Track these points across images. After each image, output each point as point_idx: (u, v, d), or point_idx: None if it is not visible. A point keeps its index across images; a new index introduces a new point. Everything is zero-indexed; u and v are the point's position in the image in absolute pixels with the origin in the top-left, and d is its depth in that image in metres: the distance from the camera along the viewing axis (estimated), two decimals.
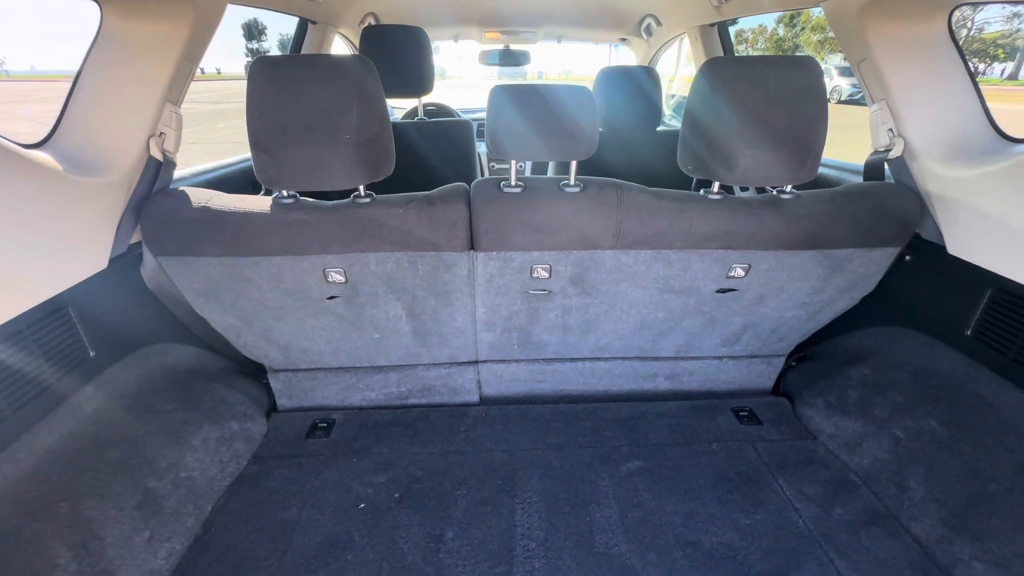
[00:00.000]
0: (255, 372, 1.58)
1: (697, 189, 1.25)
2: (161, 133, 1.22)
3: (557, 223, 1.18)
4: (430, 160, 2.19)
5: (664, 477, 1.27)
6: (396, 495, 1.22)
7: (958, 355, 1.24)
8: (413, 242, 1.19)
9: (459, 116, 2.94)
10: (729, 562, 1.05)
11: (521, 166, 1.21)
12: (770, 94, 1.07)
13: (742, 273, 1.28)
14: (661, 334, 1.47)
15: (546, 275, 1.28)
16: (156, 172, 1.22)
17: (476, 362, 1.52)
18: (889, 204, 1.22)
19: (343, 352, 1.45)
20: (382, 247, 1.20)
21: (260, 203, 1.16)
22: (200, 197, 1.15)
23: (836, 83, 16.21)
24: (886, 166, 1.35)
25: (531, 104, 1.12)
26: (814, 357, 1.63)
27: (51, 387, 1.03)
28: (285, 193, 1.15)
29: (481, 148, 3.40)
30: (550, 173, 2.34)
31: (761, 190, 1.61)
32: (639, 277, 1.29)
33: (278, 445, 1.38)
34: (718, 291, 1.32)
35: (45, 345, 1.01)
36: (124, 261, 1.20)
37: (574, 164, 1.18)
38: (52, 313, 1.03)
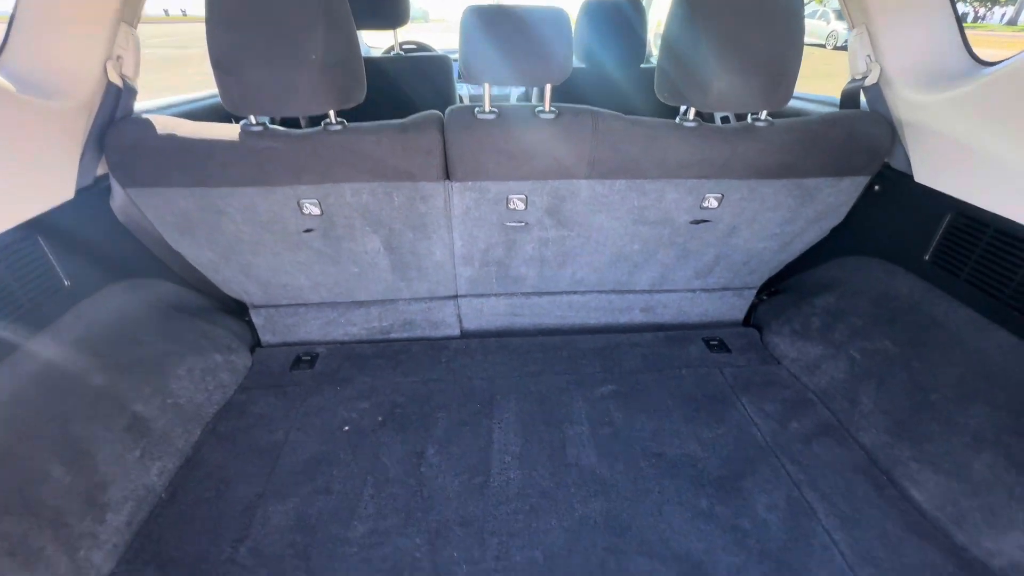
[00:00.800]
0: (237, 310, 1.60)
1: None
2: (118, 56, 1.16)
3: (532, 150, 1.18)
4: (406, 96, 2.13)
5: (635, 399, 1.34)
6: (379, 418, 1.27)
7: (916, 280, 1.29)
8: (388, 171, 1.18)
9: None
10: (690, 469, 1.14)
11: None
12: (745, 19, 1.05)
13: (715, 203, 1.30)
14: (636, 266, 1.50)
15: (522, 206, 1.29)
16: (116, 99, 1.17)
17: (456, 296, 1.55)
18: (860, 132, 1.23)
19: (323, 287, 1.47)
20: (357, 177, 1.19)
21: (228, 131, 1.14)
22: (166, 125, 1.12)
23: (833, 27, 15.72)
24: (862, 94, 1.35)
25: (503, 25, 1.09)
26: (784, 291, 1.69)
27: (27, 314, 1.03)
28: (253, 119, 1.12)
29: (463, 89, 3.29)
30: None
31: (739, 119, 1.60)
32: (614, 207, 1.30)
33: (263, 377, 1.42)
34: (692, 222, 1.35)
35: (17, 273, 1.01)
36: (92, 193, 1.18)
37: (548, 89, 1.16)
38: (20, 241, 1.02)
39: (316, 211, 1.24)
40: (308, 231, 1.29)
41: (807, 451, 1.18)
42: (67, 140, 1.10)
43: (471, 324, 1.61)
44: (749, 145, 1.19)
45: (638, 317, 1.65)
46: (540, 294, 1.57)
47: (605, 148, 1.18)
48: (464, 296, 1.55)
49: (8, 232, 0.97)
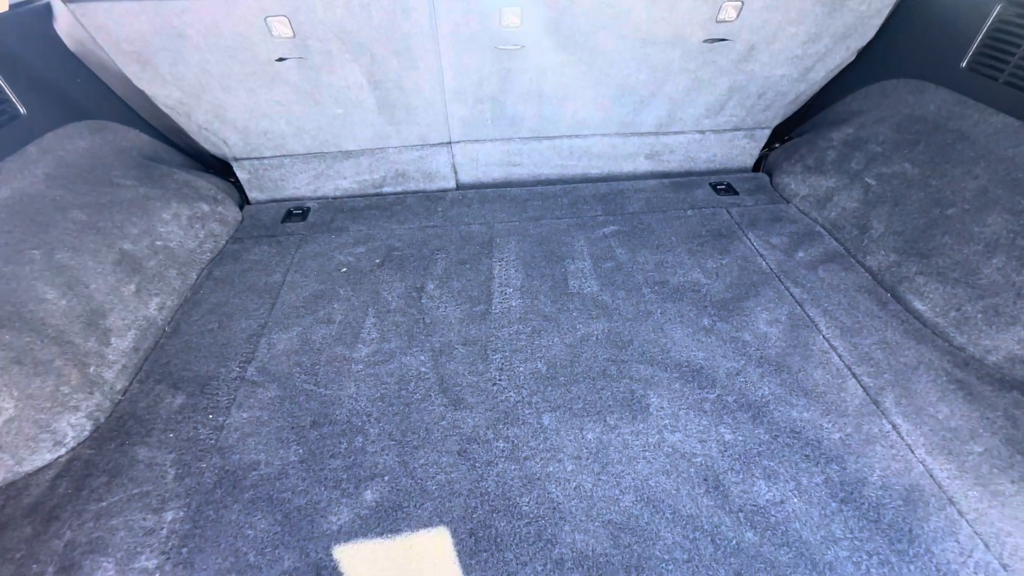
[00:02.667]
0: (221, 171, 1.52)
1: None
2: None
3: None
4: None
5: (638, 237, 1.31)
6: (376, 260, 1.25)
7: (947, 94, 1.19)
8: None
9: None
10: (692, 294, 1.13)
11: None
12: None
13: (733, 15, 1.15)
14: (643, 102, 1.39)
15: (517, 21, 1.15)
16: None
17: (450, 143, 1.45)
18: None
19: (306, 133, 1.37)
20: None
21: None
22: None
23: None
24: None
25: None
26: (798, 136, 1.59)
27: None
28: None
29: None
30: None
31: None
32: (620, 21, 1.16)
33: (255, 229, 1.38)
34: (706, 41, 1.21)
35: None
36: (31, 12, 1.04)
37: None
38: None
39: (287, 32, 1.11)
40: (281, 60, 1.17)
41: (812, 275, 1.16)
42: None
43: (467, 176, 1.53)
44: None
45: (643, 165, 1.57)
46: (539, 138, 1.47)
47: None
48: (458, 142, 1.46)
49: None
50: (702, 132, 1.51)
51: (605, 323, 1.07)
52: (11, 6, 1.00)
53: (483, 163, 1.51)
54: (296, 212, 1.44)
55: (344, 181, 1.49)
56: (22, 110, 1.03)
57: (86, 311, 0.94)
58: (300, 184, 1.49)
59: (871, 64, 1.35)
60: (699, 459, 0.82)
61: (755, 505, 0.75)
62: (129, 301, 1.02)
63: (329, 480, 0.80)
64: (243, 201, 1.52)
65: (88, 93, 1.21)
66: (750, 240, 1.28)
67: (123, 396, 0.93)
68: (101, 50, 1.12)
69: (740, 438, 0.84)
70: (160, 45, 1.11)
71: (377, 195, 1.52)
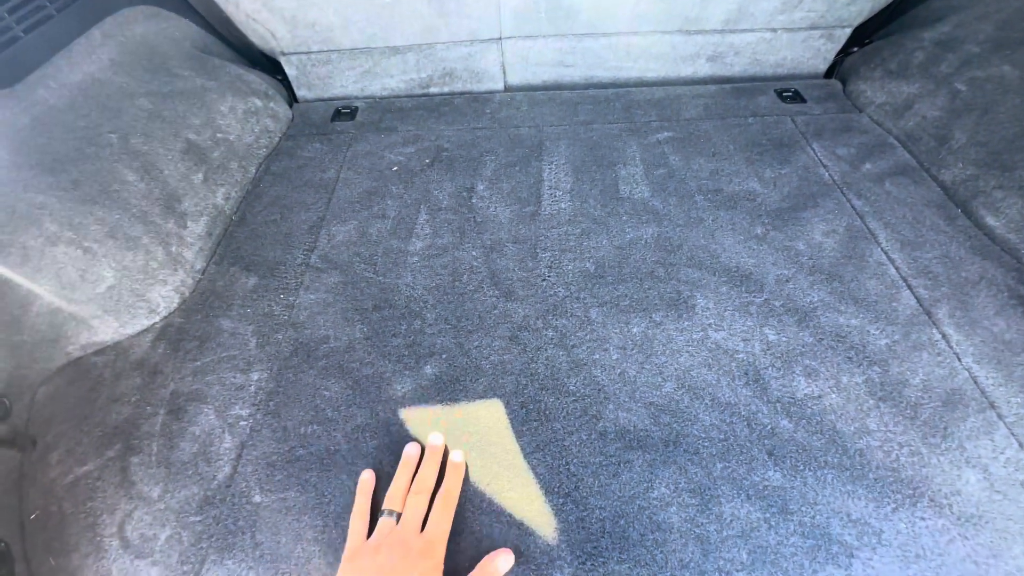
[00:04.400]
0: (269, 69, 1.50)
1: None
2: None
3: None
4: None
5: (693, 144, 1.26)
6: (426, 160, 1.26)
7: None
8: None
9: None
10: (747, 203, 1.10)
11: None
12: None
13: None
14: None
15: None
16: None
17: (500, 39, 1.39)
18: None
19: (353, 25, 1.33)
20: None
21: None
22: None
23: None
24: None
25: None
26: (883, 37, 1.43)
27: (49, 18, 0.97)
28: None
29: None
30: None
31: None
32: None
33: (305, 127, 1.39)
34: None
35: None
36: None
37: None
38: None
39: None
40: None
41: (877, 188, 1.11)
42: None
43: (516, 77, 1.47)
44: None
45: (704, 68, 1.46)
46: (595, 35, 1.38)
47: None
48: (509, 38, 1.39)
49: None
50: (773, 30, 1.38)
51: (655, 228, 1.06)
52: None
53: (533, 62, 1.44)
54: (344, 111, 1.43)
55: (391, 80, 1.46)
56: None
57: (163, 195, 1.00)
58: (347, 82, 1.47)
59: None
60: (741, 355, 0.85)
61: (792, 398, 0.79)
62: (199, 189, 1.07)
63: (392, 355, 0.88)
64: (291, 99, 1.51)
65: None
66: (814, 150, 1.22)
67: (202, 275, 1.01)
68: None
69: (784, 339, 0.86)
70: None
71: (424, 95, 1.49)
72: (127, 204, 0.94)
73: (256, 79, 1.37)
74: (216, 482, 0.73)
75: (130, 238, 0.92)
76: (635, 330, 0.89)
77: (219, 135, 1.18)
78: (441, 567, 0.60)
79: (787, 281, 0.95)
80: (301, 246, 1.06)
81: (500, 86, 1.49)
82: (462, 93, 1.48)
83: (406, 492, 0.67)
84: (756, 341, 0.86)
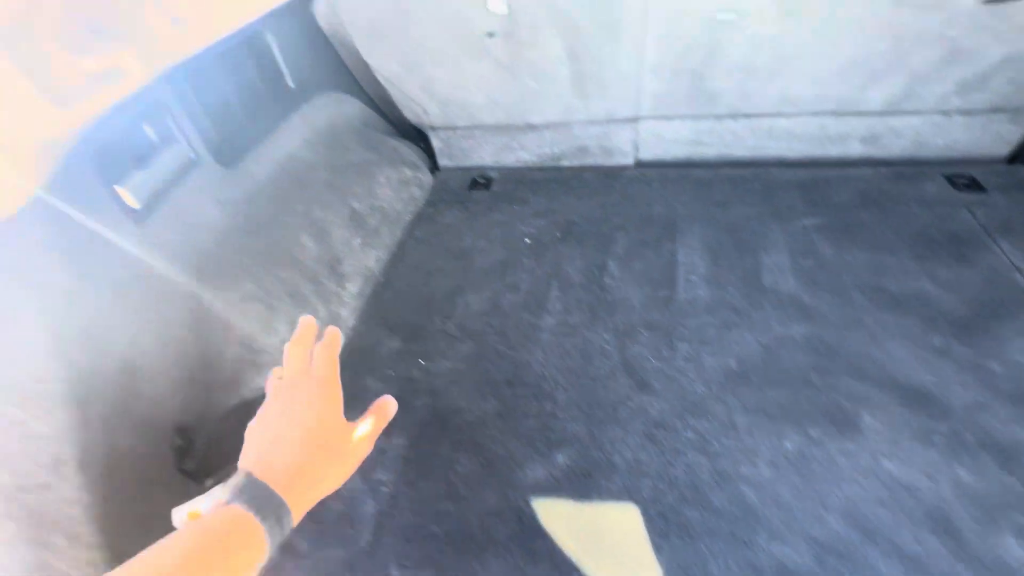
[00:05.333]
0: (415, 137, 1.67)
1: None
2: None
3: None
4: None
5: (846, 232, 1.16)
6: (557, 234, 1.29)
7: None
8: None
9: None
10: (918, 306, 0.98)
11: None
12: None
13: None
14: (874, 76, 1.20)
15: None
16: None
17: (636, 119, 1.42)
18: None
19: (499, 106, 1.44)
20: None
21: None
22: None
23: None
24: None
25: None
26: None
27: (268, 110, 1.17)
28: None
29: None
30: None
31: None
32: None
33: (444, 194, 1.51)
34: (987, 2, 0.99)
35: (257, 66, 1.12)
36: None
37: None
38: (255, 37, 1.11)
39: (502, 8, 1.15)
40: (491, 35, 1.23)
41: None
42: None
43: (648, 153, 1.49)
44: None
45: (855, 149, 1.37)
46: (735, 116, 1.36)
47: None
48: (645, 118, 1.41)
49: (247, 27, 1.05)
50: (946, 113, 1.26)
51: (806, 326, 0.98)
52: None
53: (667, 140, 1.45)
54: (481, 180, 1.53)
55: (525, 153, 1.55)
56: (291, 84, 1.23)
57: (330, 258, 1.13)
58: (485, 154, 1.58)
59: None
60: (924, 495, 0.73)
61: (1001, 562, 0.66)
62: (356, 252, 1.19)
63: (523, 436, 0.88)
64: (433, 167, 1.66)
65: (331, 67, 1.40)
66: (1002, 249, 1.06)
67: (353, 332, 1.11)
68: (343, 27, 1.29)
69: (982, 483, 0.73)
70: (390, 23, 1.23)
71: (555, 168, 1.55)
72: (304, 266, 1.07)
73: (408, 150, 1.53)
74: (358, 548, 0.76)
75: (303, 297, 1.04)
76: (788, 445, 0.81)
77: (376, 203, 1.31)
78: (340, 396, 0.56)
79: (981, 409, 0.82)
80: (440, 313, 1.12)
81: (631, 162, 1.51)
82: (593, 167, 1.52)
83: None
84: (944, 480, 0.74)
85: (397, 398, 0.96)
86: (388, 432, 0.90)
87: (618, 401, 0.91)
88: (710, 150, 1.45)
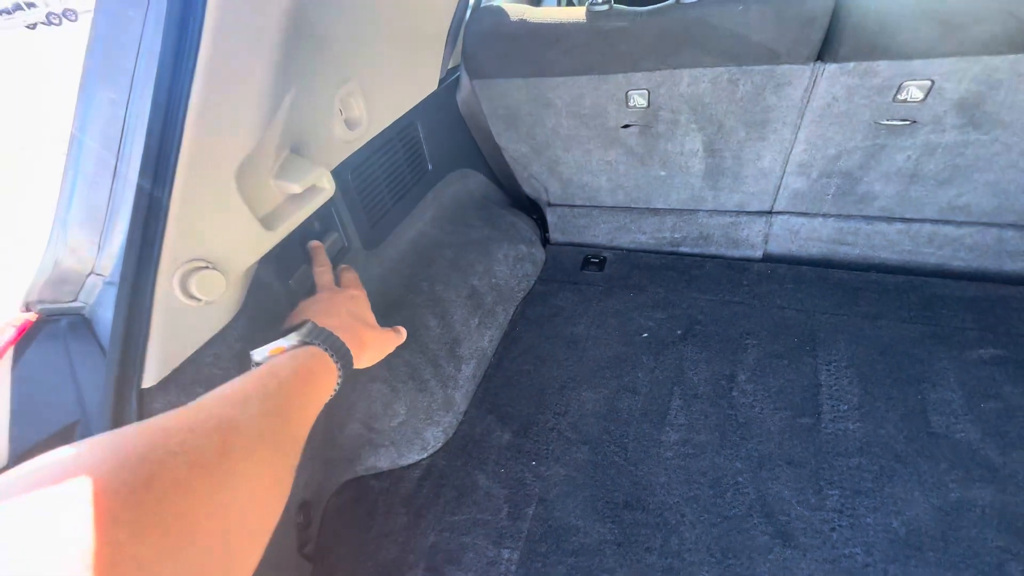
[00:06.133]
0: (528, 209, 1.69)
1: None
2: None
3: (980, 5, 0.83)
4: None
5: None
6: (678, 331, 1.22)
7: None
8: (746, 51, 1.00)
9: None
10: None
11: None
12: None
13: None
14: None
15: (920, 95, 0.96)
16: None
17: (771, 213, 1.33)
18: None
19: (621, 191, 1.42)
20: (702, 60, 1.04)
21: (574, 13, 1.09)
22: (516, 11, 1.13)
23: None
24: None
25: None
26: None
27: (409, 193, 1.23)
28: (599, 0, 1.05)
29: None
30: None
31: None
32: None
33: (556, 272, 1.50)
34: None
35: (406, 156, 1.20)
36: (445, 85, 1.31)
37: None
38: (407, 127, 1.19)
39: (642, 103, 1.15)
40: (627, 127, 1.22)
41: None
42: (434, 33, 1.20)
43: (779, 247, 1.39)
44: None
45: None
46: (890, 220, 1.24)
47: None
48: (781, 213, 1.32)
49: (403, 117, 1.13)
50: None
51: (993, 491, 0.82)
52: (439, 82, 1.26)
53: (803, 237, 1.34)
54: (593, 260, 1.51)
55: (642, 236, 1.51)
56: (430, 166, 1.30)
57: (449, 339, 1.14)
58: (599, 233, 1.56)
59: None
60: None
61: None
62: (473, 332, 1.20)
63: (645, 575, 0.80)
64: (545, 240, 1.66)
65: (464, 147, 1.47)
66: None
67: (464, 417, 1.10)
68: (481, 113, 1.35)
69: None
70: (527, 111, 1.27)
71: (673, 254, 1.49)
72: (425, 348, 1.09)
73: (525, 226, 1.55)
74: None
75: (422, 380, 1.05)
76: None
77: (493, 280, 1.33)
78: (366, 298, 0.75)
79: None
80: (552, 408, 1.09)
81: (758, 254, 1.42)
82: (714, 257, 1.45)
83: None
84: None
85: (508, 503, 0.93)
86: (498, 541, 0.87)
87: (756, 552, 0.81)
88: (853, 250, 1.32)
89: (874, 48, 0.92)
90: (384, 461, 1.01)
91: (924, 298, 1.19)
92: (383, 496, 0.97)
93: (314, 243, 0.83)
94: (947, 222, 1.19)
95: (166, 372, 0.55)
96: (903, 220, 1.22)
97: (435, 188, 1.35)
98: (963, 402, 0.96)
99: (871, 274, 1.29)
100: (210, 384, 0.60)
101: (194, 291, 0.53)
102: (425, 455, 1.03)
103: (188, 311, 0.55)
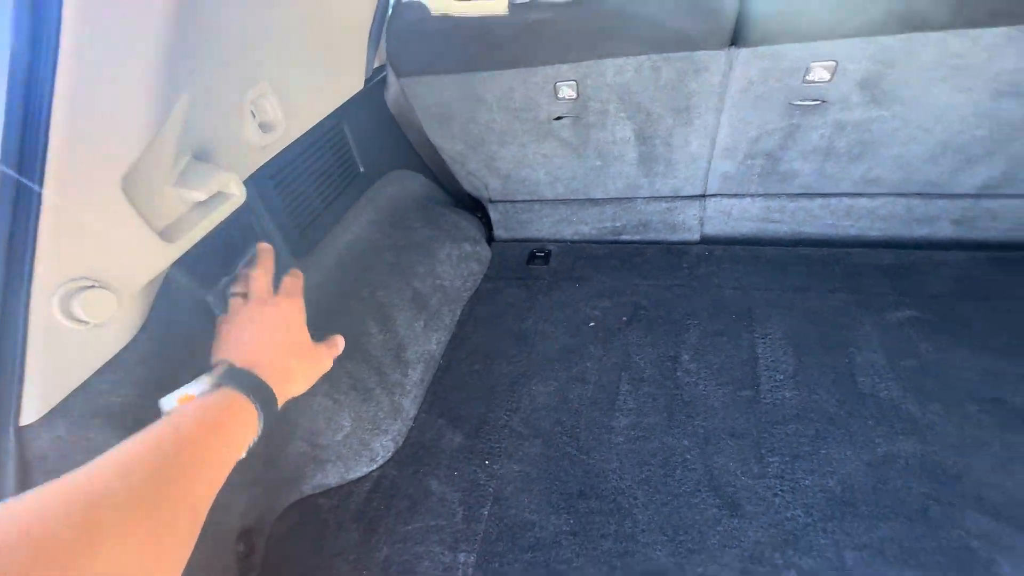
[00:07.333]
0: (472, 207, 1.68)
1: None
2: None
3: None
4: None
5: (948, 331, 1.06)
6: (624, 318, 1.24)
7: None
8: (664, 39, 1.02)
9: None
10: None
11: None
12: None
13: None
14: (969, 162, 1.12)
15: (827, 76, 1.02)
16: None
17: (703, 196, 1.38)
18: None
19: (560, 182, 1.43)
20: (625, 49, 1.06)
21: (497, 6, 1.09)
22: (439, 6, 1.11)
23: None
24: None
25: None
26: None
27: (340, 196, 1.19)
28: None
29: None
30: None
31: None
32: (970, 73, 0.95)
33: (503, 269, 1.49)
34: None
35: (334, 157, 1.15)
36: (373, 85, 1.27)
37: None
38: (333, 128, 1.14)
39: (571, 94, 1.16)
40: (559, 119, 1.23)
41: None
42: (355, 31, 1.16)
43: (714, 229, 1.44)
44: None
45: (946, 231, 1.28)
46: (811, 195, 1.30)
47: None
48: (713, 196, 1.37)
49: (327, 118, 1.09)
50: None
51: (916, 443, 0.88)
52: (364, 82, 1.22)
53: (735, 217, 1.40)
54: (539, 254, 1.51)
55: (585, 227, 1.52)
56: (361, 168, 1.26)
57: (394, 344, 1.11)
58: (543, 227, 1.56)
59: None
60: None
61: None
62: (419, 336, 1.17)
63: (603, 563, 0.80)
64: (490, 237, 1.65)
65: (398, 147, 1.43)
66: None
67: (414, 423, 1.07)
68: (412, 112, 1.32)
69: None
70: (459, 108, 1.25)
71: (615, 243, 1.51)
72: (368, 356, 1.05)
73: (468, 224, 1.53)
74: None
75: (367, 389, 1.02)
76: None
77: (437, 281, 1.30)
78: (304, 315, 0.67)
79: None
80: (503, 405, 1.08)
81: (696, 237, 1.46)
82: (655, 242, 1.48)
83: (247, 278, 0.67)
84: None
85: (463, 506, 0.91)
86: (453, 546, 0.85)
87: (706, 525, 0.82)
88: (781, 227, 1.39)
89: (782, 32, 0.96)
90: (332, 477, 0.97)
91: (847, 268, 1.26)
92: (332, 514, 0.93)
93: (262, 245, 0.75)
94: (861, 195, 1.27)
95: (50, 405, 0.50)
96: (822, 195, 1.29)
97: (370, 190, 1.31)
98: (885, 362, 1.02)
99: (799, 249, 1.35)
100: (109, 415, 0.55)
101: (79, 313, 0.48)
102: (375, 466, 0.99)
103: (74, 335, 0.50)
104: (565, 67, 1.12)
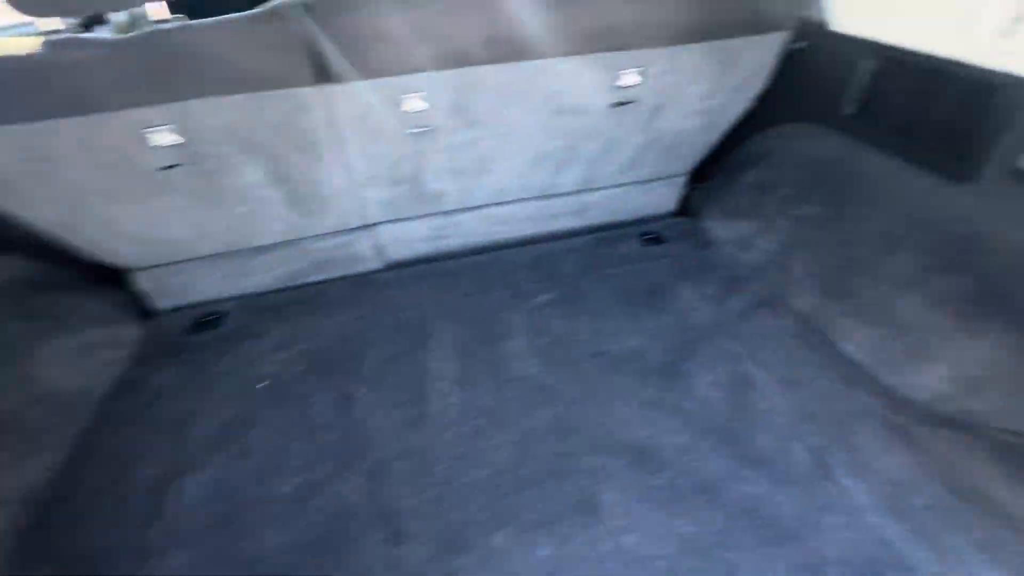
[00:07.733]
0: (115, 278, 1.37)
1: None
2: None
3: (423, 29, 1.00)
4: None
5: (573, 304, 1.28)
6: (301, 368, 1.15)
7: (841, 138, 1.26)
8: (249, 78, 0.98)
9: None
10: (634, 363, 1.11)
11: None
12: None
13: (637, 79, 1.18)
14: (560, 165, 1.39)
15: (424, 105, 1.12)
16: None
17: (370, 225, 1.39)
18: None
19: (210, 237, 1.27)
20: (212, 89, 0.98)
21: (23, 45, 0.88)
22: None
23: None
24: None
25: None
26: (714, 176, 1.64)
27: None
28: (61, 24, 0.87)
29: None
30: None
31: None
32: (526, 96, 1.16)
33: (160, 346, 1.25)
34: (613, 105, 1.23)
35: None
36: None
37: None
38: None
39: (175, 139, 1.03)
40: (169, 167, 1.08)
41: (746, 326, 1.17)
42: None
43: (394, 254, 1.47)
44: (658, 2, 1.06)
45: (570, 221, 1.56)
46: (463, 210, 1.44)
47: (501, 23, 1.01)
48: (380, 224, 1.40)
49: None
50: (623, 185, 1.53)
51: (549, 409, 1.02)
52: None
53: (410, 239, 1.46)
54: (209, 318, 1.32)
55: (256, 277, 1.39)
56: None
57: None
58: (209, 286, 1.37)
59: (771, 108, 1.41)
60: (659, 563, 0.77)
61: None
62: (4, 472, 0.87)
63: None
64: (143, 311, 1.37)
65: None
66: (684, 294, 1.29)
67: None
68: None
69: (697, 529, 0.80)
70: (24, 171, 1.00)
71: (298, 287, 1.42)
72: None
73: (96, 305, 1.24)
74: None
75: None
76: (542, 553, 0.79)
77: (36, 392, 1.00)
78: None
79: (687, 451, 0.92)
80: (136, 519, 0.87)
81: (378, 265, 1.47)
82: (340, 278, 1.44)
83: None
84: (671, 538, 0.80)
85: None
86: None
87: (369, 566, 0.79)
88: (453, 241, 1.50)
89: (374, 67, 1.02)
90: None
91: (503, 267, 1.43)
92: None
93: None
94: (500, 203, 1.45)
95: None
96: (471, 209, 1.44)
97: None
98: (526, 343, 1.17)
99: (468, 258, 1.49)
100: None
101: None
102: None
103: None
104: (149, 111, 0.98)
